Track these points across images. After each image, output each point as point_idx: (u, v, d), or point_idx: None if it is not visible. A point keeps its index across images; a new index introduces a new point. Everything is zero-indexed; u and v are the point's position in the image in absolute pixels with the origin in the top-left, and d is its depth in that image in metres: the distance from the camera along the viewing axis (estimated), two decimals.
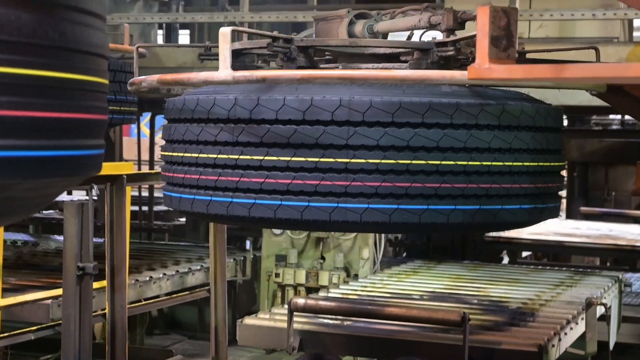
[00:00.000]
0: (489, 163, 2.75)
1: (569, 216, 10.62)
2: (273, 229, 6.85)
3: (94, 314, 4.44)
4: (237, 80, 2.63)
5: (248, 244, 7.69)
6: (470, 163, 2.73)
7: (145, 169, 9.57)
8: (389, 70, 2.61)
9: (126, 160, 9.77)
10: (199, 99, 2.81)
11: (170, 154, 2.98)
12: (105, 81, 1.82)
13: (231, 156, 2.75)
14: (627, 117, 10.95)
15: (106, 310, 4.75)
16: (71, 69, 1.67)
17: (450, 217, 2.75)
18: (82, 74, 1.70)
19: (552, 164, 2.96)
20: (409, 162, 2.69)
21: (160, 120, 13.49)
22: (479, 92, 2.75)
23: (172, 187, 3.00)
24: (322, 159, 2.70)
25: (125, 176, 4.75)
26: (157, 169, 11.90)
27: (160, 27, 10.32)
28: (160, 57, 7.74)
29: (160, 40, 10.57)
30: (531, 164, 2.86)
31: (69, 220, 3.96)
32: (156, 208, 10.34)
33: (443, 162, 2.71)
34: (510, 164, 2.79)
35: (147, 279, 6.28)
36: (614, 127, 11.13)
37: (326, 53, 3.01)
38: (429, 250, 9.44)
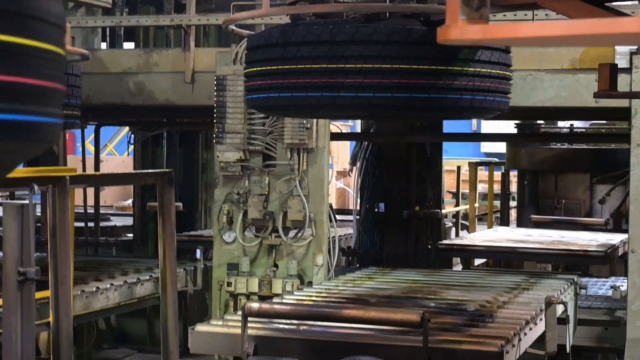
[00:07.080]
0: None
1: (520, 224, 10.62)
2: (224, 237, 6.60)
3: (37, 322, 4.22)
4: None
5: (198, 253, 7.42)
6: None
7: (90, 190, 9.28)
8: None
9: None
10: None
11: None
12: (63, 52, 1.84)
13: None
14: (575, 123, 11.01)
15: (50, 319, 4.53)
16: (28, 35, 1.71)
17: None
18: (39, 41, 1.74)
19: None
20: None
21: (107, 131, 13.04)
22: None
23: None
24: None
25: (68, 177, 4.52)
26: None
27: (103, 39, 10.03)
28: (104, 62, 7.48)
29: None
30: None
31: (8, 222, 3.73)
32: (102, 224, 10.02)
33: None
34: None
35: (94, 289, 6.08)
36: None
37: None
38: (382, 259, 9.35)
